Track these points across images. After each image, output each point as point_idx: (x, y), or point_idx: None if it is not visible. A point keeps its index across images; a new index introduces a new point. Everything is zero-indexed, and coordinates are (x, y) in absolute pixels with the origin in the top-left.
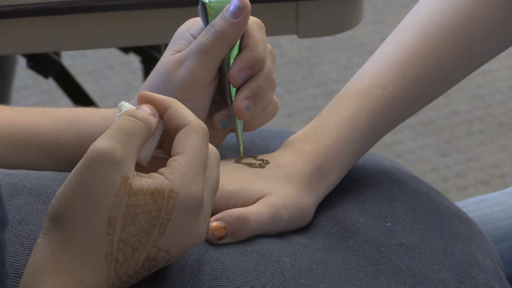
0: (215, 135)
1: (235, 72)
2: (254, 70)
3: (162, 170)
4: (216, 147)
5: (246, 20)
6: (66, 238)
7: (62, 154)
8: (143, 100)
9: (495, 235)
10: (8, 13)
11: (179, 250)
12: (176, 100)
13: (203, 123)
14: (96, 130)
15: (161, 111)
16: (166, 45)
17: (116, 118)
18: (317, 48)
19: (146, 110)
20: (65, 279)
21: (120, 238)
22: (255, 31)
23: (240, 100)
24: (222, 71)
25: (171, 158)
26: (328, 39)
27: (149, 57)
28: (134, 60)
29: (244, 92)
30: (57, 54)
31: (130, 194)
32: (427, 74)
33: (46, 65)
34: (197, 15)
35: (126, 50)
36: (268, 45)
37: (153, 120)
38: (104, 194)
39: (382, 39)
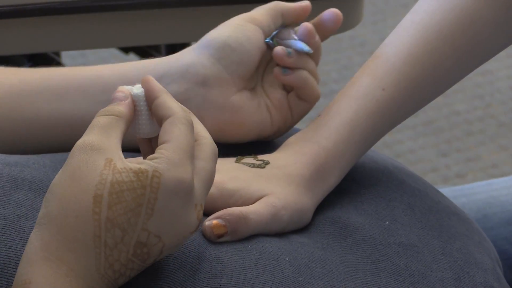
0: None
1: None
2: None
3: (150, 156)
4: None
5: None
6: (54, 222)
7: (101, 91)
8: (143, 81)
9: (503, 218)
10: (8, 13)
11: (171, 237)
12: (166, 92)
13: (188, 115)
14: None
15: (151, 99)
16: (166, 45)
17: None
18: None
19: (117, 97)
20: (55, 268)
21: (107, 218)
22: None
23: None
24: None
25: (158, 147)
26: (328, 39)
27: (149, 57)
28: (134, 60)
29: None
30: (57, 54)
31: (115, 172)
32: (426, 75)
33: (46, 65)
34: (197, 13)
35: (126, 50)
36: None
37: (123, 109)
38: (88, 174)
39: (382, 39)
